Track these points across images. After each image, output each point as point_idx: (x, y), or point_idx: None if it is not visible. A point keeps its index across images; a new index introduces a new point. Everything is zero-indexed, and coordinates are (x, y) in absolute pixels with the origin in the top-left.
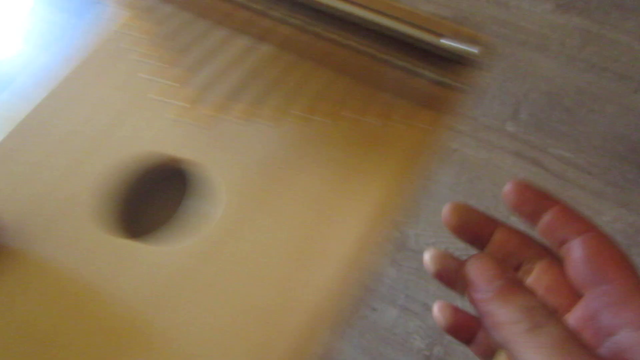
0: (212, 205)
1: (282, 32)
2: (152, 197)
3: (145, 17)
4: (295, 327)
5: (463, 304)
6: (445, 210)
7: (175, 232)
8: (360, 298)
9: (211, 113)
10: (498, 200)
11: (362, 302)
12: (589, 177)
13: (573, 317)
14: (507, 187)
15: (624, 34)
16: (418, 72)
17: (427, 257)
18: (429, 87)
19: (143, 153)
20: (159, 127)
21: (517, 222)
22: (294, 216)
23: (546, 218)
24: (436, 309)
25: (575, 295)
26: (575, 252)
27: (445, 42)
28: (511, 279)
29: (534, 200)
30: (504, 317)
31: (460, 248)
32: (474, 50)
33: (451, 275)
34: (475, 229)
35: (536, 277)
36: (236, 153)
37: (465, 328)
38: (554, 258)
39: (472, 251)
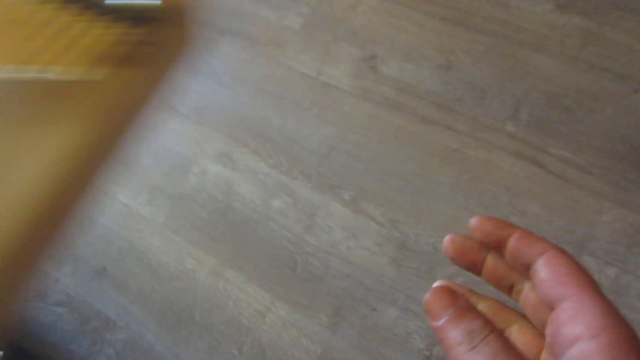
0: None
1: None
2: None
3: None
4: None
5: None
6: (445, 242)
7: None
8: (360, 298)
9: None
10: (498, 200)
11: (362, 302)
12: (589, 177)
13: (547, 332)
14: (472, 223)
15: (624, 34)
16: (104, 31)
17: (447, 240)
18: (118, 45)
19: None
20: None
21: (517, 222)
22: None
23: (510, 245)
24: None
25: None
26: (539, 273)
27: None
28: (461, 306)
29: (495, 231)
30: (451, 341)
31: None
32: (156, 1)
33: (470, 257)
34: (470, 257)
35: (525, 296)
36: None
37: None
38: None
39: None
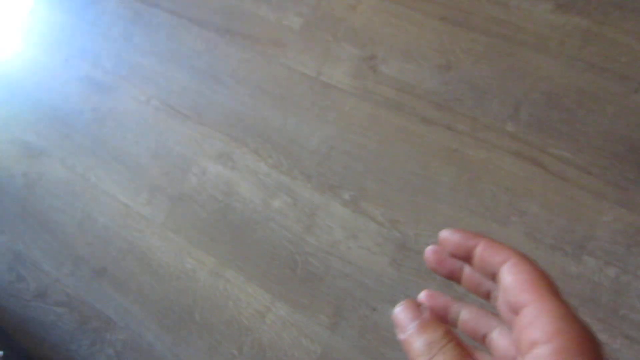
0: None
1: None
2: None
3: None
4: None
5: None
6: (427, 252)
7: None
8: (360, 298)
9: None
10: (498, 200)
11: (362, 302)
12: (589, 177)
13: (512, 337)
14: (441, 236)
15: (624, 34)
16: None
17: (423, 295)
18: None
19: None
20: None
21: (516, 225)
22: None
23: (476, 255)
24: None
25: None
26: (502, 280)
27: None
28: (424, 318)
29: (463, 242)
30: (415, 352)
31: None
32: None
33: (444, 312)
34: (448, 267)
35: (499, 302)
36: None
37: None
38: None
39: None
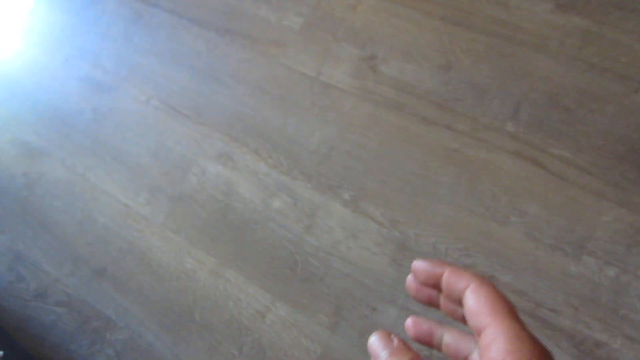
0: None
1: None
2: None
3: None
4: None
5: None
6: (407, 281)
7: None
8: (360, 298)
9: None
10: (498, 200)
11: (362, 302)
12: (589, 177)
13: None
14: (412, 267)
15: (624, 34)
16: None
17: (409, 322)
18: None
19: None
20: None
21: (516, 225)
22: None
23: (443, 282)
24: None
25: None
26: (465, 304)
27: None
28: (396, 346)
29: (431, 270)
30: None
31: (460, 248)
32: None
33: (428, 337)
34: (426, 293)
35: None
36: None
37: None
38: None
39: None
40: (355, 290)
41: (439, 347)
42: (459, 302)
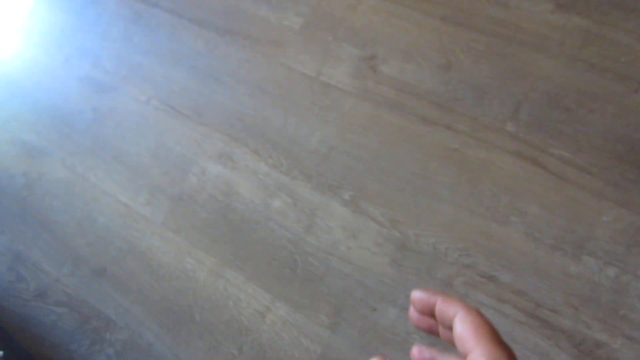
0: None
1: None
2: None
3: None
4: None
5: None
6: (409, 312)
7: None
8: (360, 298)
9: None
10: (498, 200)
11: (362, 302)
12: (589, 177)
13: None
14: (411, 297)
15: (624, 34)
16: None
17: (414, 351)
18: None
19: None
20: None
21: (516, 225)
22: None
23: (436, 311)
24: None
25: None
26: (454, 330)
27: None
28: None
29: (426, 300)
30: None
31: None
32: None
33: (427, 323)
34: (427, 322)
35: None
36: None
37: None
38: None
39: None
40: (355, 290)
41: None
42: (451, 328)
